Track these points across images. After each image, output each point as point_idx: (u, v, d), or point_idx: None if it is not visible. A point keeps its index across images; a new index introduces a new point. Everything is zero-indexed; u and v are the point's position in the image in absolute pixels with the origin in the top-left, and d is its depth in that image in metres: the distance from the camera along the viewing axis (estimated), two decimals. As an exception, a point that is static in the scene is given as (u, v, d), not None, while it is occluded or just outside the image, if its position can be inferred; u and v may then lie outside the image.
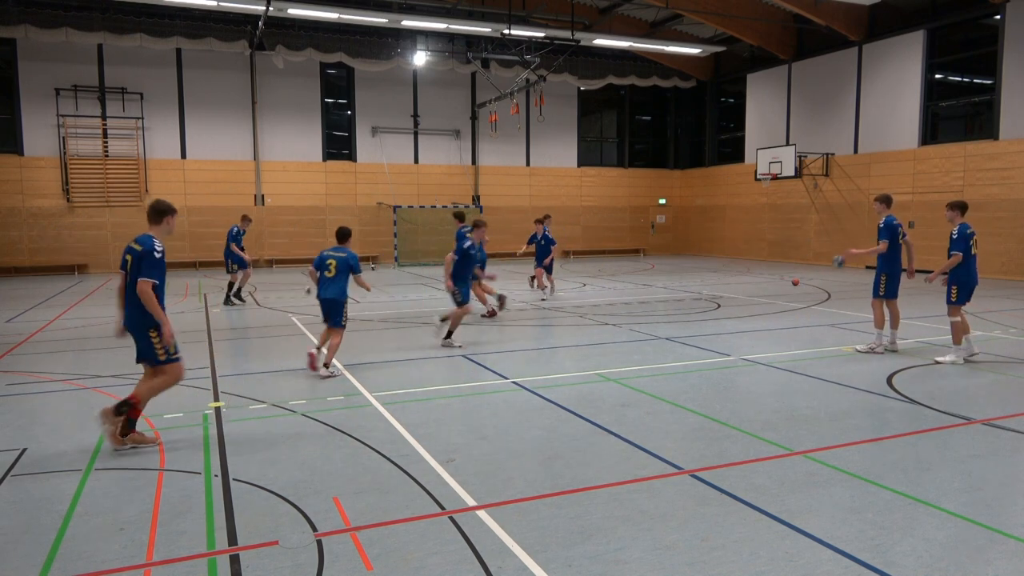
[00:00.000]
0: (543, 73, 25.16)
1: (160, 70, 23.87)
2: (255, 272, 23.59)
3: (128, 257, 5.69)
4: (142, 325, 5.70)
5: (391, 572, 3.71)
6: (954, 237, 8.76)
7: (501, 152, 28.72)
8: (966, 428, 6.12)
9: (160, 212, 5.79)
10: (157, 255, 5.62)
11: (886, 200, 9.39)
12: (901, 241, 9.39)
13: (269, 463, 5.32)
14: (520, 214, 29.08)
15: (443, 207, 27.22)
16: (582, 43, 23.73)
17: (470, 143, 28.39)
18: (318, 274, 8.37)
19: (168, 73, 24.02)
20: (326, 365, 8.18)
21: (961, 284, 8.73)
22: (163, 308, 5.69)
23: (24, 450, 5.66)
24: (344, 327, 8.35)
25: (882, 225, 9.18)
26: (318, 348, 8.33)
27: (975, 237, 8.79)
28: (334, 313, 8.27)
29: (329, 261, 8.35)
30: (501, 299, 12.82)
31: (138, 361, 5.90)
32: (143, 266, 5.57)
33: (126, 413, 5.60)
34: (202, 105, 24.47)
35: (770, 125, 26.85)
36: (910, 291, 16.38)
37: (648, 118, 32.56)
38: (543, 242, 15.62)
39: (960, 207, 8.89)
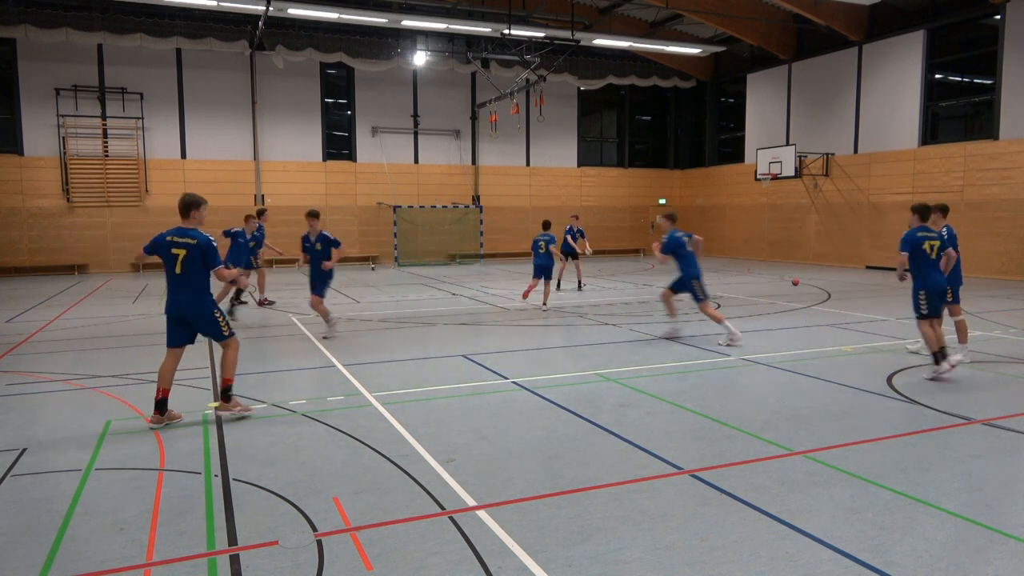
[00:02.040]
0: (543, 73, 25.16)
1: (160, 70, 23.87)
2: (254, 271, 23.60)
3: (180, 252, 6.28)
4: (205, 307, 6.38)
5: (391, 572, 3.71)
6: (944, 237, 8.47)
7: (501, 152, 28.73)
8: (966, 428, 6.12)
9: (194, 204, 6.41)
10: (215, 244, 6.38)
11: (671, 217, 10.34)
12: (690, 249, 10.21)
13: (269, 463, 5.32)
14: (520, 214, 29.12)
15: (443, 207, 27.23)
16: (582, 43, 23.73)
17: (470, 143, 28.40)
18: (538, 252, 13.73)
19: (168, 73, 24.03)
20: (544, 304, 13.76)
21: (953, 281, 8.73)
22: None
23: (24, 450, 5.66)
24: (550, 278, 13.80)
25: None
26: (526, 295, 14.37)
27: None
28: (548, 272, 13.76)
29: (541, 242, 13.67)
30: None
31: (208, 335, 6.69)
32: (209, 257, 6.30)
33: (230, 391, 6.53)
34: (202, 105, 24.47)
35: (770, 125, 26.85)
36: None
37: (648, 118, 32.56)
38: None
39: (943, 209, 8.78)
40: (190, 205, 6.36)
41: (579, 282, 17.43)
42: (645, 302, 14.77)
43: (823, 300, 14.83)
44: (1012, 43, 18.94)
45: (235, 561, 3.84)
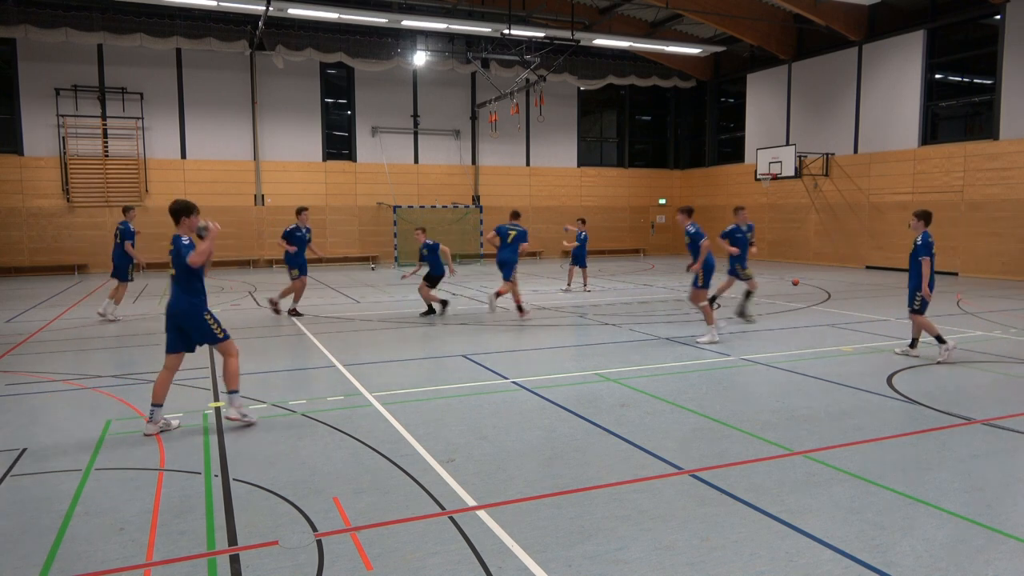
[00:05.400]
0: (543, 73, 25.16)
1: (160, 70, 23.87)
2: (254, 272, 23.61)
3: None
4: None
5: (391, 572, 3.71)
6: (690, 232, 10.24)
7: (501, 152, 28.73)
8: (966, 428, 6.12)
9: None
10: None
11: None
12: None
13: (269, 463, 5.32)
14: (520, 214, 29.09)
15: (443, 207, 27.23)
16: (582, 43, 23.73)
17: (470, 143, 28.40)
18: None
19: (168, 73, 24.03)
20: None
21: (706, 270, 10.16)
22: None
23: (24, 450, 5.66)
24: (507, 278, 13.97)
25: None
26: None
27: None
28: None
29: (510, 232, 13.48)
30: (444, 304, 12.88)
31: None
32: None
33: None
34: (202, 105, 24.48)
35: (770, 125, 26.85)
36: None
37: (648, 118, 32.57)
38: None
39: (687, 211, 10.46)
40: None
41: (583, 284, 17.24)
42: (645, 302, 14.77)
43: (823, 300, 14.83)
44: (1012, 43, 18.93)
45: (235, 561, 3.84)
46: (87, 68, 23.05)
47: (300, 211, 13.06)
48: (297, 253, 12.80)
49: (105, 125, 23.31)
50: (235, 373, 6.21)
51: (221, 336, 6.15)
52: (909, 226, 9.21)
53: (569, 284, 17.24)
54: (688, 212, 10.46)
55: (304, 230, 12.89)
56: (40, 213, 22.85)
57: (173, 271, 6.04)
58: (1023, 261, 18.91)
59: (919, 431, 6.02)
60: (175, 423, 6.21)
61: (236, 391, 6.21)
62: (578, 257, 16.88)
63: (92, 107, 23.19)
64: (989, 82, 19.88)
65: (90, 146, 23.26)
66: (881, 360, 8.86)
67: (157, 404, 5.99)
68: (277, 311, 13.08)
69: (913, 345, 9.10)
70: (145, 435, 5.94)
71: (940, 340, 8.71)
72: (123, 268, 12.63)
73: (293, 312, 13.08)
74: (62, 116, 22.76)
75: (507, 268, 12.23)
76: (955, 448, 5.61)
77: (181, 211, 6.03)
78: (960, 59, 21.33)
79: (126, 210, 12.96)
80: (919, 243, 8.83)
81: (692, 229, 10.18)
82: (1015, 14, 18.83)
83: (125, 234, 12.61)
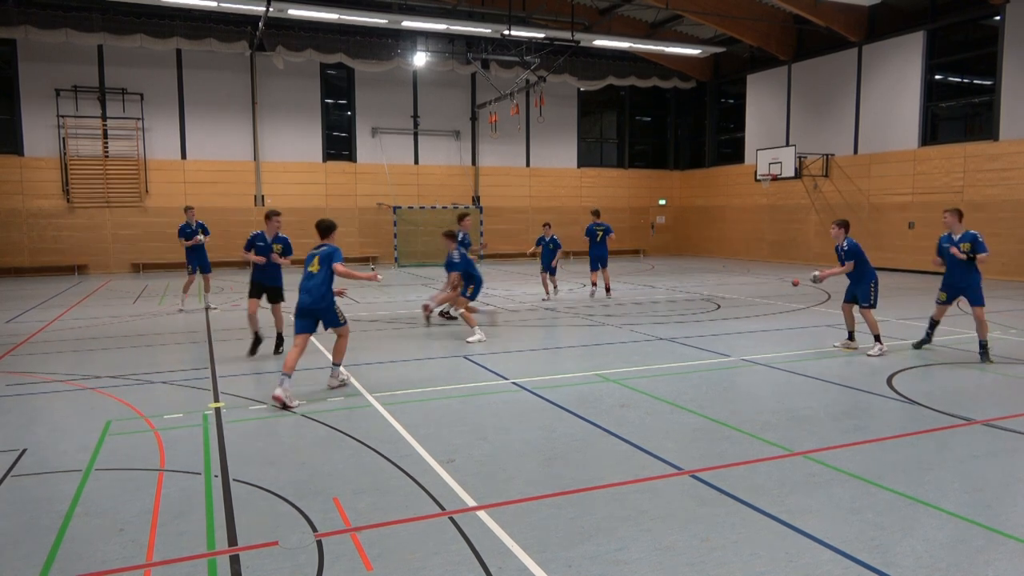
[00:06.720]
0: (543, 74, 25.15)
1: (160, 71, 23.88)
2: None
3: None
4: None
5: (391, 573, 3.71)
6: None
7: (501, 153, 28.73)
8: (966, 428, 6.12)
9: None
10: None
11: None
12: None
13: (269, 463, 5.32)
14: (520, 215, 29.11)
15: (443, 208, 27.23)
16: (582, 44, 23.73)
17: (470, 144, 28.40)
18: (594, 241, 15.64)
19: (168, 74, 24.03)
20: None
21: (477, 285, 10.77)
22: None
23: (24, 450, 5.66)
24: (605, 267, 15.59)
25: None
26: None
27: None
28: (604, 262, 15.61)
29: (598, 231, 15.38)
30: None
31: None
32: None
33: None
34: (202, 105, 24.48)
35: (770, 126, 26.85)
36: (908, 292, 16.36)
37: (648, 119, 32.57)
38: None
39: (459, 220, 12.00)
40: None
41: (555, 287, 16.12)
42: (645, 303, 14.77)
43: (823, 301, 14.82)
44: (1012, 44, 18.94)
45: (235, 561, 3.84)
46: (87, 69, 23.05)
47: (462, 218, 12.65)
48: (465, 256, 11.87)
49: (105, 126, 23.32)
50: (343, 350, 7.62)
51: (343, 321, 7.51)
52: (832, 234, 9.94)
53: (548, 292, 16.02)
54: (452, 236, 11.07)
55: (463, 234, 12.14)
56: (40, 214, 22.85)
57: (316, 268, 7.21)
58: (1023, 262, 18.91)
59: (919, 431, 6.02)
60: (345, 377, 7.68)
61: (339, 364, 7.59)
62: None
63: (92, 108, 23.19)
64: (989, 83, 19.89)
65: (90, 147, 23.26)
66: (881, 361, 8.86)
67: (286, 374, 6.93)
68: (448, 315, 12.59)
69: (852, 337, 9.73)
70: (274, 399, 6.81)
71: (851, 336, 9.75)
72: (188, 263, 14.33)
73: (446, 315, 12.52)
74: (62, 117, 22.76)
75: (602, 261, 15.18)
76: (955, 448, 5.61)
77: (331, 228, 7.72)
78: (960, 60, 21.33)
79: (186, 210, 14.40)
80: (846, 248, 9.72)
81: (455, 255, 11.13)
82: (1015, 15, 18.84)
83: (180, 232, 14.11)
